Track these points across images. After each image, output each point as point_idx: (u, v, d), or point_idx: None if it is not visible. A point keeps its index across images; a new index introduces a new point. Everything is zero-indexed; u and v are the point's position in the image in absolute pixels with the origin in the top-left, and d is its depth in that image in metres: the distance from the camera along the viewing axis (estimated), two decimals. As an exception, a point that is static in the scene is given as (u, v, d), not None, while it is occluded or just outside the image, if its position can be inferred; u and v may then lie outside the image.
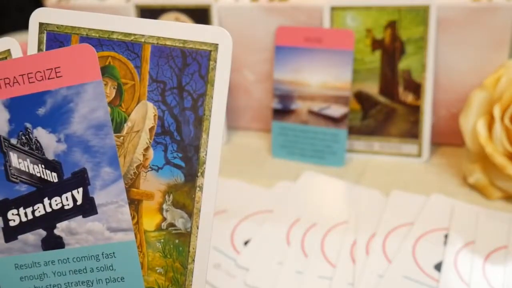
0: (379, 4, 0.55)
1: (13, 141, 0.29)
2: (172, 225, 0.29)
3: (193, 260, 0.29)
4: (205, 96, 0.28)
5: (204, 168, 0.28)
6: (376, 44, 0.56)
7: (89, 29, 0.28)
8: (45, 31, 0.29)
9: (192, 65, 0.28)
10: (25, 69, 0.28)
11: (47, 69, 0.28)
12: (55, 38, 0.29)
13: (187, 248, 0.29)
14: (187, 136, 0.28)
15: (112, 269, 0.29)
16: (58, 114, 0.28)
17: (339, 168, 0.58)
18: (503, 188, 0.51)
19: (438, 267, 0.43)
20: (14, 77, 0.28)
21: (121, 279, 0.29)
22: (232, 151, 0.64)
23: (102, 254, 0.29)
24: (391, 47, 0.56)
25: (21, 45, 0.30)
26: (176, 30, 0.27)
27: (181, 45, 0.27)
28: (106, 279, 0.29)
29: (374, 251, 0.45)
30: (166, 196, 0.29)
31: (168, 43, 0.28)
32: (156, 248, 0.29)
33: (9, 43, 0.29)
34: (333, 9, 0.57)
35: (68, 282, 0.30)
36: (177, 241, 0.29)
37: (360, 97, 0.59)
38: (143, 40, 0.28)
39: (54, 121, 0.28)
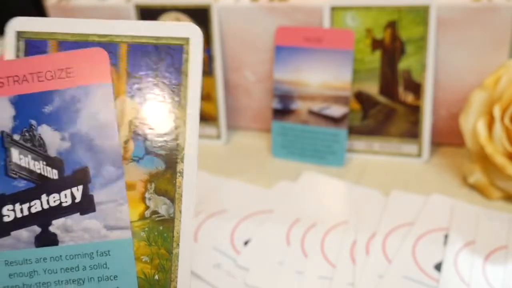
0: (379, 4, 0.55)
1: (16, 137, 0.29)
2: (155, 212, 0.30)
3: (178, 245, 0.30)
4: (180, 86, 0.29)
5: (184, 154, 0.29)
6: (376, 44, 0.56)
7: (66, 34, 0.29)
8: (22, 39, 0.30)
9: (166, 59, 0.29)
10: (35, 68, 0.29)
11: (58, 69, 0.29)
12: (32, 44, 0.30)
13: (171, 233, 0.30)
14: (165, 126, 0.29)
15: (106, 267, 0.30)
16: (65, 112, 0.29)
17: (339, 168, 0.58)
18: (503, 188, 0.51)
19: (438, 267, 0.43)
20: (24, 75, 0.29)
21: (114, 277, 0.30)
22: (232, 151, 0.64)
23: (97, 252, 0.29)
24: (391, 47, 0.56)
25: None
26: (149, 28, 0.29)
27: (155, 41, 0.29)
28: (98, 277, 0.30)
29: (374, 251, 0.45)
30: (148, 185, 0.30)
31: (143, 40, 0.29)
32: (140, 237, 0.30)
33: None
34: (333, 9, 0.57)
35: (59, 280, 0.30)
36: (161, 227, 0.30)
37: (360, 97, 0.59)
38: (118, 39, 0.29)
39: (60, 120, 0.29)
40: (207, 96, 0.63)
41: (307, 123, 0.59)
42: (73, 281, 0.30)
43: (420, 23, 0.54)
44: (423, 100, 0.56)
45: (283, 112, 0.60)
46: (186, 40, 0.29)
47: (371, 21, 0.56)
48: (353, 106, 0.59)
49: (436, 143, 0.60)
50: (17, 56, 0.30)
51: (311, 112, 0.59)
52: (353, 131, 0.60)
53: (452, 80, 0.57)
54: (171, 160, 0.29)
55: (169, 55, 0.29)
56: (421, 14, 0.54)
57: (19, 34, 0.30)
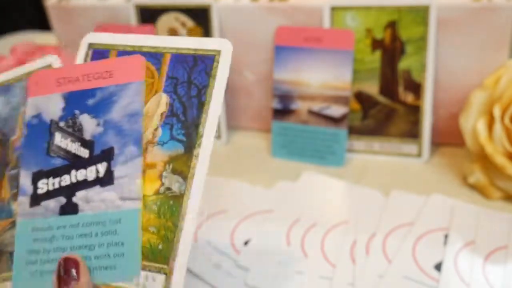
0: (379, 4, 0.55)
1: (61, 124, 0.35)
2: (168, 189, 0.33)
3: (183, 219, 0.33)
4: (207, 87, 0.35)
5: (201, 140, 0.34)
6: (376, 44, 0.56)
7: (125, 45, 0.37)
8: (91, 49, 0.37)
9: (200, 65, 0.35)
10: (85, 71, 0.36)
11: (103, 71, 0.36)
12: (98, 52, 0.37)
13: (179, 207, 0.33)
14: (190, 117, 0.34)
15: (115, 234, 0.33)
16: (103, 104, 0.35)
17: (339, 168, 0.58)
18: (503, 188, 0.51)
19: (438, 267, 0.43)
20: (77, 76, 0.36)
21: (121, 243, 0.33)
22: (232, 151, 0.64)
23: (110, 220, 0.33)
24: (391, 47, 0.56)
25: (22, 45, 0.35)
26: (190, 42, 0.36)
27: (193, 52, 0.36)
28: (108, 243, 0.33)
29: (374, 251, 0.45)
30: (167, 165, 0.34)
31: (183, 52, 0.36)
32: (152, 210, 0.33)
33: (50, 59, 0.37)
34: (333, 9, 0.57)
35: (73, 246, 0.34)
36: (171, 202, 0.33)
37: (360, 97, 0.59)
38: (164, 50, 0.36)
39: (99, 110, 0.35)
40: (207, 96, 0.63)
41: (307, 123, 0.59)
42: (85, 247, 0.33)
43: (420, 23, 0.54)
44: (423, 100, 0.56)
45: (283, 112, 0.60)
46: (218, 51, 0.35)
47: (371, 21, 0.56)
48: (353, 106, 0.59)
49: (436, 143, 0.60)
50: (85, 61, 0.37)
51: (311, 112, 0.59)
52: (353, 131, 0.60)
53: (452, 80, 0.57)
54: (190, 145, 0.34)
55: (203, 62, 0.35)
56: (421, 14, 0.54)
57: (90, 45, 0.37)
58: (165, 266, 0.33)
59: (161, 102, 0.35)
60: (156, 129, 0.35)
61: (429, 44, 0.54)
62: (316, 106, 0.59)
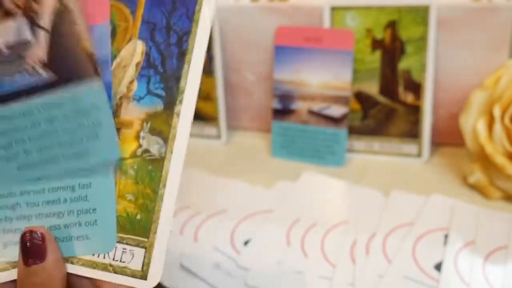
0: (379, 4, 0.55)
1: None
2: (147, 151, 0.30)
3: (164, 185, 0.30)
4: (189, 34, 0.31)
5: (183, 96, 0.30)
6: (376, 44, 0.56)
7: None
8: None
9: (180, 9, 0.31)
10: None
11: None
12: None
13: (159, 173, 0.30)
14: (170, 68, 0.31)
15: (86, 200, 0.30)
16: None
17: (339, 168, 0.58)
18: (503, 188, 0.51)
19: (438, 267, 0.43)
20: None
21: (93, 210, 0.30)
22: (232, 151, 0.64)
23: (79, 185, 0.30)
24: (391, 47, 0.56)
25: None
26: None
27: None
28: (78, 210, 0.30)
29: (374, 251, 0.45)
30: (144, 124, 0.31)
31: None
32: (128, 175, 0.30)
33: None
34: (333, 9, 0.57)
35: (40, 213, 0.30)
36: (150, 166, 0.30)
37: (360, 97, 0.59)
38: None
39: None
40: (207, 96, 0.63)
41: (307, 123, 0.59)
42: (53, 214, 0.30)
43: (420, 23, 0.54)
44: (423, 100, 0.56)
45: (283, 112, 0.60)
46: None
47: (371, 21, 0.56)
48: (353, 106, 0.59)
49: (436, 143, 0.60)
50: None
51: (311, 112, 0.59)
52: (353, 131, 0.60)
53: (452, 80, 0.57)
54: (170, 101, 0.30)
55: (184, 5, 0.31)
56: (421, 14, 0.54)
57: None
58: (145, 239, 0.29)
59: (137, 50, 0.31)
60: (131, 82, 0.31)
61: (429, 44, 0.54)
62: (316, 106, 0.59)
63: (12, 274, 0.30)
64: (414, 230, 0.47)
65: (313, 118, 0.59)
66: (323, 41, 0.57)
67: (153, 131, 0.30)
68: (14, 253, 0.30)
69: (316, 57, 0.57)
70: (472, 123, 0.52)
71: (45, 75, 0.30)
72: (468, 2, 0.53)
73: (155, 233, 0.29)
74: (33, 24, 0.30)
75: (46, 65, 0.30)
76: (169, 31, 0.31)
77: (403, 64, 0.56)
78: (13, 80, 0.31)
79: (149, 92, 0.31)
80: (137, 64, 0.31)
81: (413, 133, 0.58)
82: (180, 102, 0.30)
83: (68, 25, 0.30)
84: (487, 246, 0.45)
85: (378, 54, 0.57)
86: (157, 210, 0.30)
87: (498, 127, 0.49)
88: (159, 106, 0.30)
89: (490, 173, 0.51)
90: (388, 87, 0.57)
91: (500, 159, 0.49)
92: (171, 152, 0.30)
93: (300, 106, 0.59)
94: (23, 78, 0.30)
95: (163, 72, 0.31)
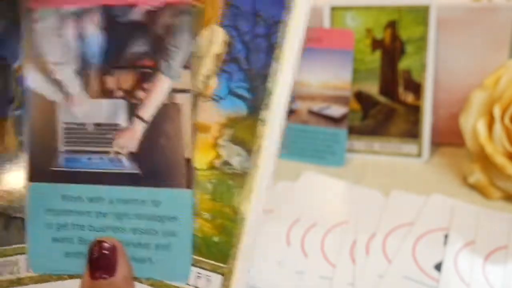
0: (379, 4, 0.55)
1: None
2: (227, 163, 0.26)
3: (247, 205, 0.26)
4: (280, 24, 0.25)
5: (271, 99, 0.26)
6: (376, 44, 0.56)
7: None
8: None
9: None
10: None
11: None
12: None
13: (242, 190, 0.26)
14: (256, 64, 0.26)
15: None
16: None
17: (339, 168, 0.58)
18: (503, 188, 0.51)
19: (438, 267, 0.43)
20: None
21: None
22: (232, 151, 0.64)
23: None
24: (391, 47, 0.56)
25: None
26: None
27: None
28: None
29: (374, 251, 0.45)
30: (224, 130, 0.26)
31: None
32: (205, 189, 0.26)
33: None
34: (333, 9, 0.56)
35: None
36: (230, 182, 0.26)
37: (360, 97, 0.59)
38: None
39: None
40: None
41: (307, 123, 0.59)
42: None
43: (420, 23, 0.54)
44: (423, 100, 0.56)
45: (283, 112, 0.60)
46: None
47: (371, 21, 0.56)
48: (353, 106, 0.59)
49: (436, 143, 0.60)
50: None
51: (311, 112, 0.59)
52: (353, 131, 0.60)
53: (452, 80, 0.57)
54: (255, 105, 0.26)
55: None
56: (421, 14, 0.54)
57: None
58: (223, 265, 0.26)
59: (217, 39, 0.26)
60: (209, 77, 0.26)
61: (429, 44, 0.54)
62: (316, 106, 0.59)
63: (66, 286, 0.27)
64: (414, 230, 0.47)
65: (313, 118, 0.59)
66: (323, 41, 0.57)
67: (234, 140, 0.26)
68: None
69: (316, 57, 0.57)
70: (472, 123, 0.52)
71: (127, 165, 0.27)
72: (468, 2, 0.53)
73: (234, 258, 0.26)
74: (132, 111, 0.26)
75: (132, 156, 0.27)
76: (255, 18, 0.25)
77: (403, 64, 0.56)
78: (90, 160, 0.27)
79: (230, 92, 0.26)
80: (217, 56, 0.26)
81: (413, 133, 0.58)
82: (267, 106, 0.26)
83: (172, 125, 0.26)
84: (487, 246, 0.45)
85: (378, 54, 0.57)
86: (237, 234, 0.26)
87: (498, 127, 0.49)
88: (242, 110, 0.26)
89: (490, 173, 0.51)
90: (388, 87, 0.57)
91: (500, 159, 0.49)
92: (256, 167, 0.26)
93: (300, 106, 0.59)
94: (102, 161, 0.27)
95: (247, 68, 0.26)
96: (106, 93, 0.27)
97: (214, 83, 0.26)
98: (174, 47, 0.25)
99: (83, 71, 0.27)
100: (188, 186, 0.26)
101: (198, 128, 0.26)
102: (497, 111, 0.49)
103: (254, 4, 0.25)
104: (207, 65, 0.26)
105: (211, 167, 0.26)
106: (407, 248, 0.45)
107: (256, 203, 0.26)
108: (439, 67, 0.56)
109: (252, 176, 0.26)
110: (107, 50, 0.26)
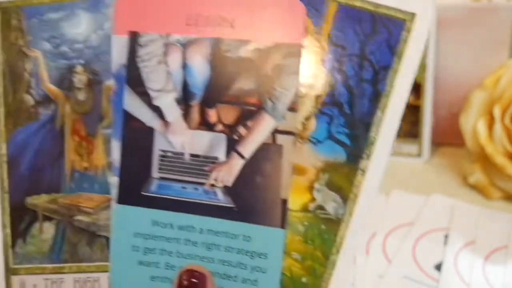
0: (379, 4, 0.55)
1: None
2: (321, 208, 0.26)
3: (338, 251, 0.26)
4: (389, 70, 0.24)
5: (373, 149, 0.25)
6: (376, 44, 0.56)
7: None
8: None
9: (381, 33, 0.24)
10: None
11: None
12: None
13: (334, 236, 0.26)
14: (359, 111, 0.25)
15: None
16: None
17: (339, 168, 0.58)
18: (503, 188, 0.51)
19: (438, 267, 0.43)
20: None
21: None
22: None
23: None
24: (391, 47, 0.56)
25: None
26: None
27: (373, 8, 0.24)
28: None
29: (374, 251, 0.45)
30: (321, 175, 0.26)
31: (357, 4, 0.24)
32: (297, 230, 0.26)
33: None
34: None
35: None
36: (323, 226, 0.26)
37: (360, 97, 0.59)
38: None
39: None
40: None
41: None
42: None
43: (420, 23, 0.54)
44: (423, 100, 0.56)
45: (283, 112, 0.60)
46: (412, 15, 0.23)
47: (371, 21, 0.56)
48: (353, 106, 0.59)
49: (436, 143, 0.60)
50: None
51: (311, 112, 0.59)
52: (353, 131, 0.60)
53: (452, 80, 0.57)
54: (355, 153, 0.25)
55: (386, 29, 0.24)
56: (421, 14, 0.54)
57: None
58: None
59: (318, 80, 0.25)
60: (308, 118, 0.26)
61: (429, 44, 0.54)
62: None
63: None
64: (414, 230, 0.47)
65: (313, 118, 0.59)
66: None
67: (330, 186, 0.26)
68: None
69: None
70: (472, 123, 0.52)
71: (222, 199, 0.27)
72: (468, 2, 0.53)
73: None
74: (232, 146, 0.27)
75: (227, 190, 0.27)
76: (363, 61, 0.24)
77: (403, 64, 0.56)
78: (184, 189, 0.27)
79: (330, 136, 0.25)
80: (317, 97, 0.25)
81: (413, 133, 0.58)
82: (368, 156, 0.25)
83: (270, 165, 0.26)
84: (487, 246, 0.45)
85: (378, 54, 0.57)
86: (326, 278, 0.26)
87: (498, 127, 0.49)
88: (341, 156, 0.25)
89: (490, 173, 0.51)
90: (388, 87, 0.57)
91: (500, 159, 0.49)
92: (350, 215, 0.25)
93: (300, 106, 0.59)
94: (196, 191, 0.27)
95: (350, 114, 0.25)
96: (206, 125, 0.27)
97: (312, 125, 0.26)
98: (282, 88, 0.25)
99: (184, 101, 0.27)
100: (282, 226, 0.26)
101: (294, 169, 0.26)
102: (497, 111, 0.49)
103: (363, 46, 0.24)
104: (307, 106, 0.25)
105: (305, 209, 0.26)
106: (407, 248, 0.45)
107: (347, 250, 0.26)
108: (439, 67, 0.56)
109: (346, 223, 0.26)
110: (211, 82, 0.26)
